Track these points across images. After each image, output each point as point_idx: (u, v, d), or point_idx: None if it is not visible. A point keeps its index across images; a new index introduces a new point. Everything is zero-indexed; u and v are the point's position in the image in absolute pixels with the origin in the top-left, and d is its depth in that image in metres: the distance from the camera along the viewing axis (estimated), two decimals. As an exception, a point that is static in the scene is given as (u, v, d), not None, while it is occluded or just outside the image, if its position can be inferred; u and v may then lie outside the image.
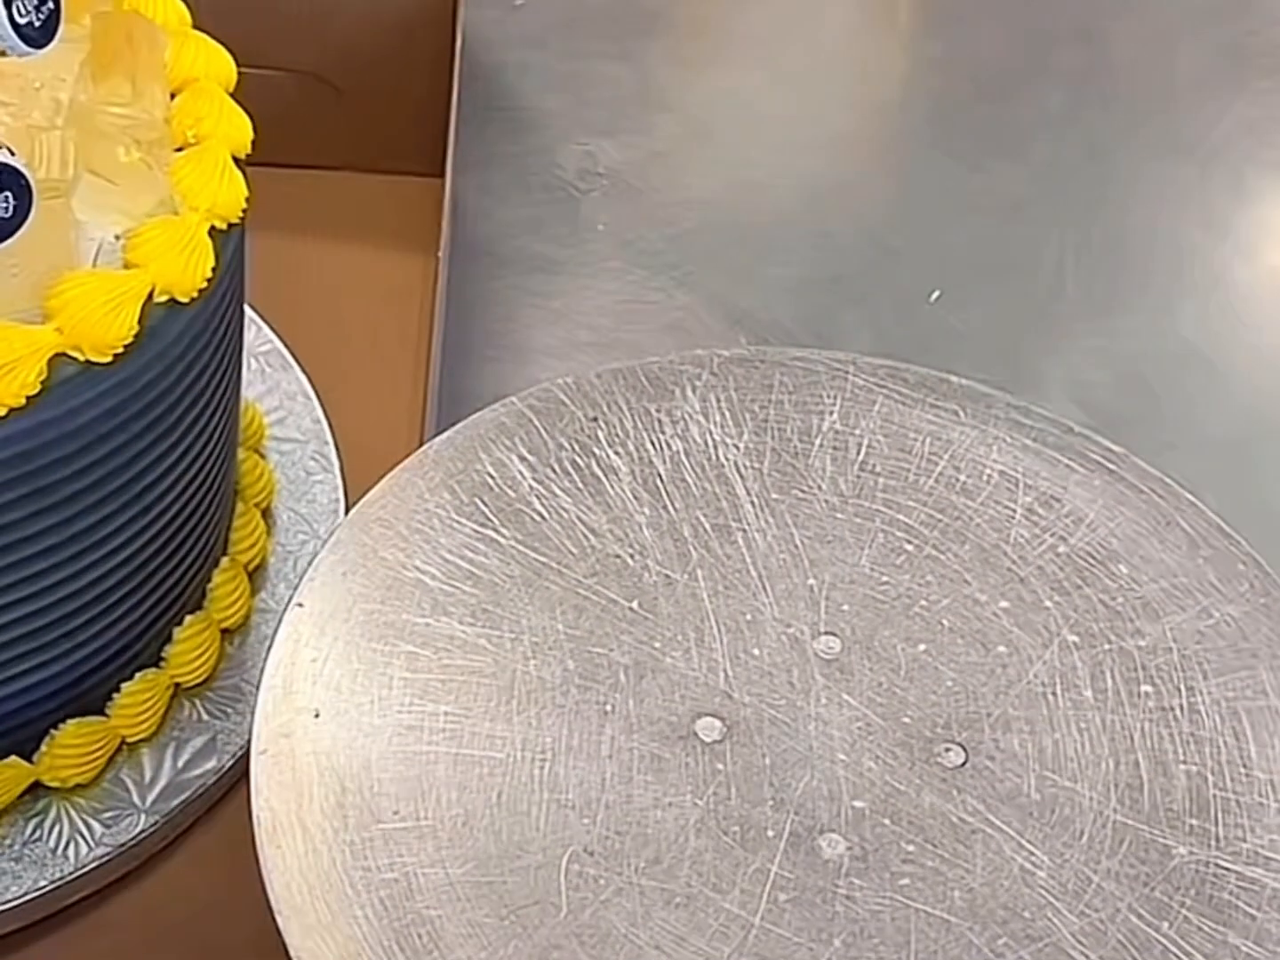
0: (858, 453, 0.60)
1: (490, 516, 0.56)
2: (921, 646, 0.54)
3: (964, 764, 0.51)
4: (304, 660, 0.52)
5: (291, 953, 0.46)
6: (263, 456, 0.76)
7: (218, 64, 0.64)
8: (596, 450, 0.59)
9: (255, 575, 0.71)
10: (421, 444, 0.60)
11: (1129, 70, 1.02)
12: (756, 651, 0.54)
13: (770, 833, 0.49)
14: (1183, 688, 0.53)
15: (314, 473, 0.76)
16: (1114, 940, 0.47)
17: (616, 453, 0.59)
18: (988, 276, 0.88)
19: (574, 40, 0.99)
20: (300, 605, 0.53)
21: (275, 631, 0.53)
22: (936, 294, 0.85)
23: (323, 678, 0.51)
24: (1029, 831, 0.50)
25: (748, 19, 1.04)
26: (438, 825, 0.48)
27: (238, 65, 0.65)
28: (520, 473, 0.58)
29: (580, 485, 0.58)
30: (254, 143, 0.63)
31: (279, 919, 0.46)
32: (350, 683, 0.51)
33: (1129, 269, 0.89)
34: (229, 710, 0.67)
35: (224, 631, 0.68)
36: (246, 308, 0.78)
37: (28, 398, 0.53)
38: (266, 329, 0.80)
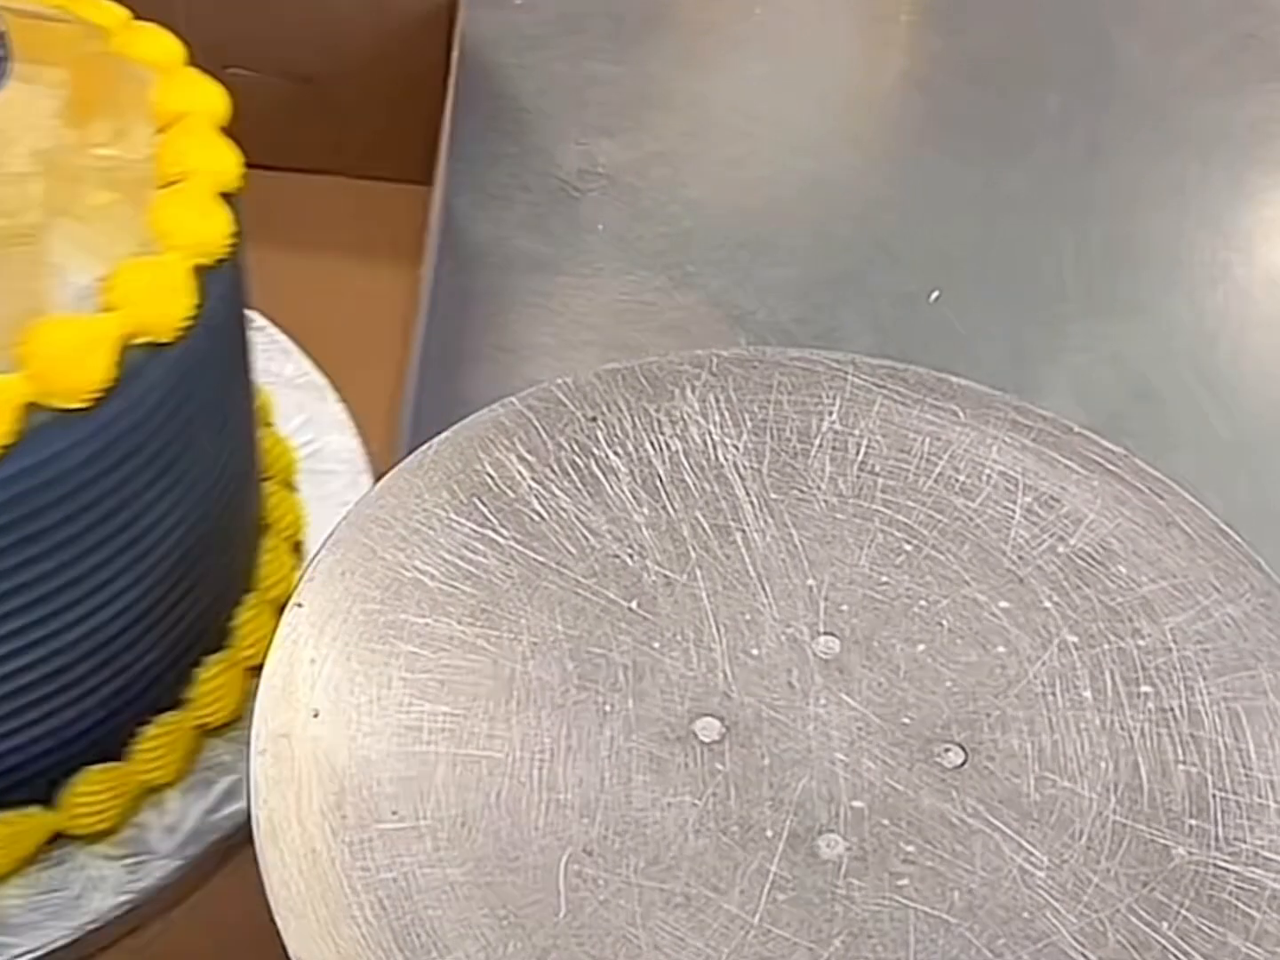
0: (857, 453, 0.60)
1: (489, 516, 0.56)
2: (921, 647, 0.54)
3: (963, 764, 0.51)
4: (303, 660, 0.52)
5: (290, 953, 0.46)
6: (294, 489, 0.75)
7: (209, 99, 0.63)
8: (596, 450, 0.59)
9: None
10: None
11: (1129, 70, 1.02)
12: (755, 652, 0.54)
13: (769, 833, 0.49)
14: (1182, 688, 0.53)
15: (350, 503, 0.74)
16: (1113, 941, 0.47)
17: (616, 453, 0.59)
18: (988, 276, 0.88)
19: (574, 40, 0.99)
20: (299, 605, 0.53)
21: (274, 632, 0.53)
22: (936, 294, 0.85)
23: (321, 678, 0.51)
24: (1028, 832, 0.50)
25: (748, 19, 1.04)
26: (437, 825, 0.48)
27: (231, 67, 0.64)
28: (519, 473, 0.58)
29: (579, 485, 0.58)
30: (246, 147, 0.62)
31: (277, 919, 0.46)
32: (349, 683, 0.51)
33: (1129, 269, 0.89)
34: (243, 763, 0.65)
35: (252, 669, 0.66)
36: (285, 341, 0.78)
37: (2, 447, 0.52)
38: (305, 361, 0.80)
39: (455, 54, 0.86)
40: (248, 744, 0.50)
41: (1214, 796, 0.51)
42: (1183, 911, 0.48)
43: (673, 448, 0.59)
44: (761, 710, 0.52)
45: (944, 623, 0.55)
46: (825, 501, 0.58)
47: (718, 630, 0.54)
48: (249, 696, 0.65)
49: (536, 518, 0.57)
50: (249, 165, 0.63)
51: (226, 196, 0.60)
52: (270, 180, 0.79)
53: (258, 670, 0.66)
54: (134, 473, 0.57)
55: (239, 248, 0.60)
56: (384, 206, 0.91)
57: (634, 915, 0.47)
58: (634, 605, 0.55)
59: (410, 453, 0.58)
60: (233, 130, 0.63)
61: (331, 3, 0.88)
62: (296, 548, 0.72)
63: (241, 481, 0.66)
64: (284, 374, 0.79)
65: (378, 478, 0.63)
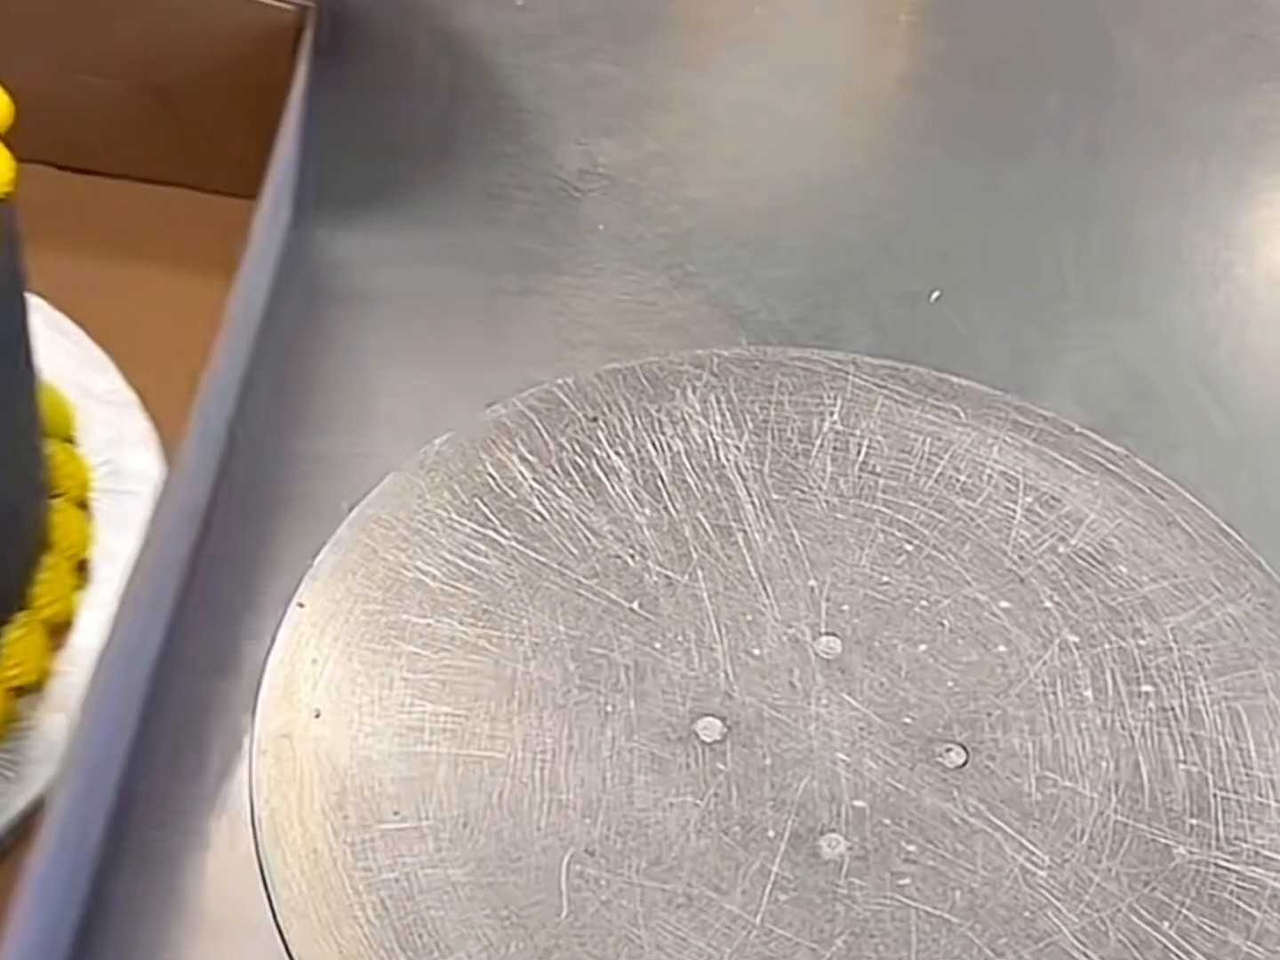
0: (858, 453, 0.60)
1: (491, 517, 0.56)
2: (922, 647, 0.54)
3: (964, 764, 0.51)
4: (305, 661, 0.52)
5: (293, 953, 0.46)
6: (86, 508, 0.73)
7: None
8: (597, 451, 0.59)
9: (61, 630, 0.65)
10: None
11: (1129, 70, 1.02)
12: (757, 652, 0.54)
13: (771, 833, 0.49)
14: (1183, 687, 0.53)
15: (145, 523, 0.72)
16: (1114, 940, 0.47)
17: (617, 453, 0.59)
18: (988, 276, 0.87)
19: (574, 40, 0.99)
20: (301, 605, 0.53)
21: (276, 631, 0.53)
22: (936, 294, 0.85)
23: (323, 678, 0.51)
24: (1029, 831, 0.50)
25: (748, 19, 1.03)
26: (438, 826, 0.48)
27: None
28: (521, 473, 0.58)
29: (581, 486, 0.58)
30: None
31: (280, 920, 0.46)
32: (351, 683, 0.51)
33: (1129, 269, 0.89)
34: (11, 773, 0.60)
35: (16, 690, 0.62)
36: (99, 355, 0.75)
37: None
38: (118, 376, 0.77)
39: (302, 69, 0.85)
40: (249, 744, 0.50)
41: (1215, 796, 0.51)
42: (1184, 910, 0.48)
43: (674, 448, 0.59)
44: (763, 710, 0.52)
45: (945, 623, 0.55)
46: (826, 502, 0.58)
47: (719, 630, 0.54)
48: (12, 717, 0.64)
49: (538, 518, 0.57)
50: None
51: None
52: (111, 188, 0.78)
53: (22, 690, 0.65)
54: None
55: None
56: (226, 221, 0.88)
57: (636, 915, 0.47)
58: (636, 606, 0.55)
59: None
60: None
61: (181, 14, 0.87)
62: (81, 567, 0.70)
63: (12, 498, 0.64)
64: (94, 389, 0.77)
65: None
